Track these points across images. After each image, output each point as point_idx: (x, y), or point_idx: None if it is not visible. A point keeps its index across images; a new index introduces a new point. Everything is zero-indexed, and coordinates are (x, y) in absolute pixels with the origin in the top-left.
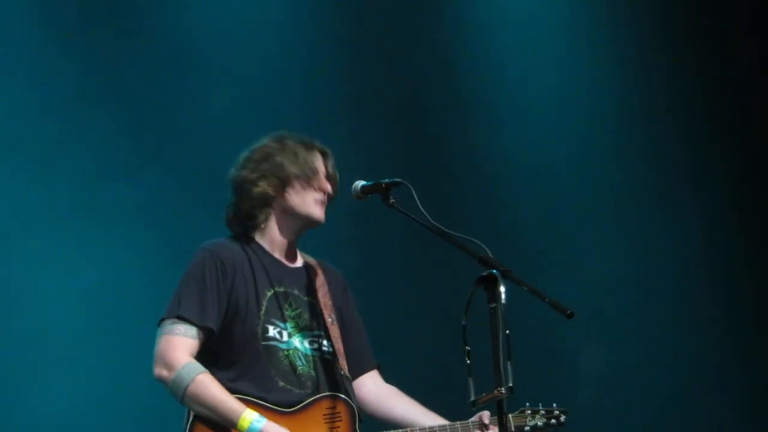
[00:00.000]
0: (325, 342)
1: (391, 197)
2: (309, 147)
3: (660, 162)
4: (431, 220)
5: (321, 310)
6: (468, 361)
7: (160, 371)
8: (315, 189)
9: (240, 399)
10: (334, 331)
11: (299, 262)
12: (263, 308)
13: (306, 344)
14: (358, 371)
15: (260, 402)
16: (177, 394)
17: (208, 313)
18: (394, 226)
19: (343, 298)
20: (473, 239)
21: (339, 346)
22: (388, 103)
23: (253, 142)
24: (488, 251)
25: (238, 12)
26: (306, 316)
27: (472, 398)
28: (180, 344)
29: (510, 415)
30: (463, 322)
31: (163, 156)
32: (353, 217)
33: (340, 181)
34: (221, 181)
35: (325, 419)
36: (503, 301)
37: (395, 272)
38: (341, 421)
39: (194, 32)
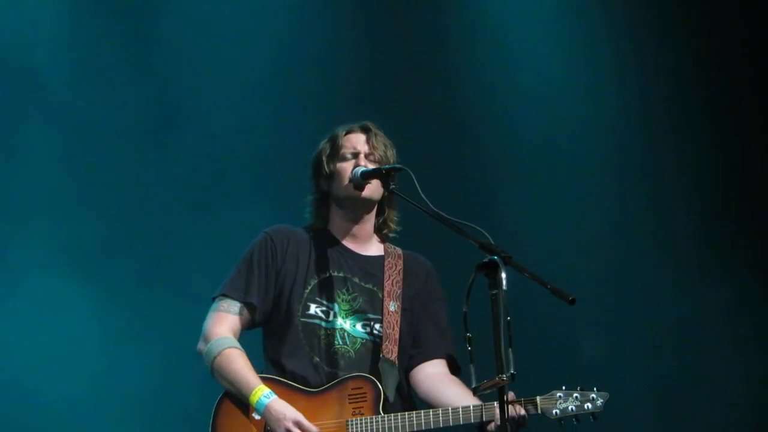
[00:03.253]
0: (377, 326)
1: (391, 183)
2: (344, 131)
3: (656, 154)
4: (431, 205)
5: (383, 297)
6: (469, 348)
7: (200, 345)
8: (345, 170)
9: (267, 377)
10: (393, 317)
11: (375, 251)
12: (309, 287)
13: (357, 326)
14: (421, 358)
15: (285, 381)
16: (207, 365)
17: (252, 289)
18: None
19: (421, 288)
20: (474, 225)
21: (392, 331)
22: (391, 96)
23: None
24: (489, 237)
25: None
26: (361, 300)
27: (474, 385)
28: (222, 319)
29: (538, 398)
30: (464, 309)
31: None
32: None
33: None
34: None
35: (350, 399)
36: (504, 288)
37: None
38: (365, 401)
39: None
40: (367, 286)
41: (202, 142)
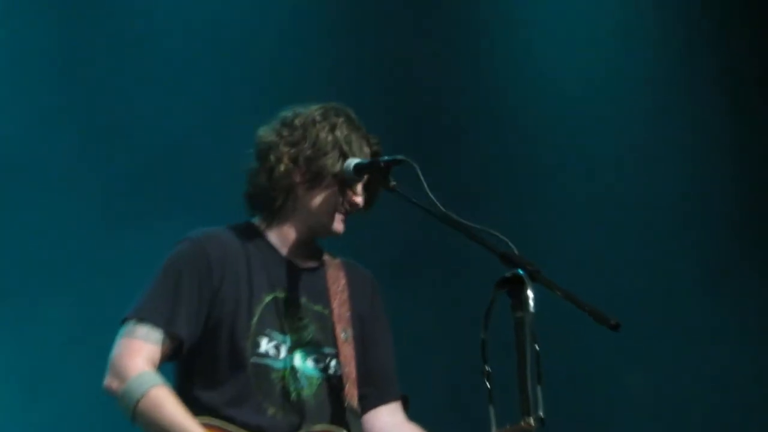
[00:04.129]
0: (333, 362)
1: (391, 179)
2: (363, 142)
3: (707, 168)
4: (441, 207)
5: (334, 322)
6: (488, 385)
7: (110, 381)
8: (345, 201)
9: (211, 424)
10: (347, 350)
11: (314, 261)
12: (256, 316)
13: (309, 363)
14: (375, 401)
15: (235, 430)
16: (126, 410)
17: (179, 316)
18: (393, 214)
19: (369, 308)
20: (494, 231)
21: (350, 368)
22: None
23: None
24: (513, 246)
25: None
26: (313, 328)
27: (494, 430)
28: (138, 349)
29: None
30: (482, 336)
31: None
32: None
33: None
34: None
35: None
36: (532, 310)
37: (393, 271)
38: None
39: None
40: (316, 308)
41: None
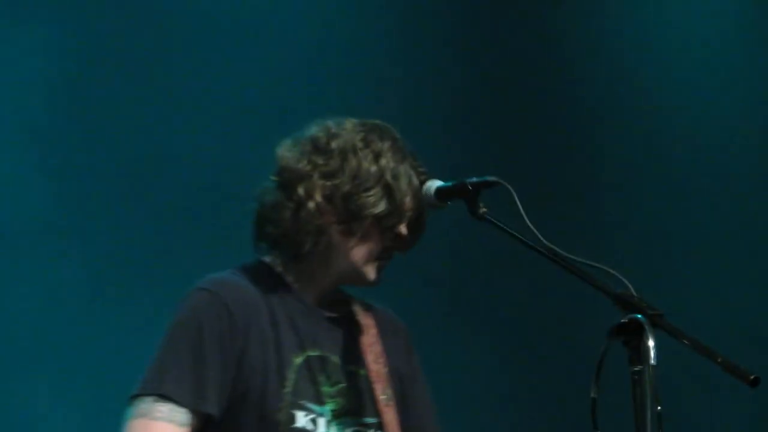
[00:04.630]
0: None
1: (480, 204)
2: (411, 173)
3: None
4: (542, 238)
5: (372, 383)
6: None
7: None
8: (385, 246)
9: None
10: (389, 415)
11: (341, 311)
12: (289, 384)
13: None
14: None
15: None
16: None
17: (207, 391)
18: (480, 244)
19: (406, 363)
20: (606, 268)
21: None
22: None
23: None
24: (630, 286)
25: None
26: (350, 393)
27: None
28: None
29: None
30: (592, 395)
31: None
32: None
33: None
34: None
35: None
36: (653, 362)
37: (480, 315)
38: None
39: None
40: (350, 368)
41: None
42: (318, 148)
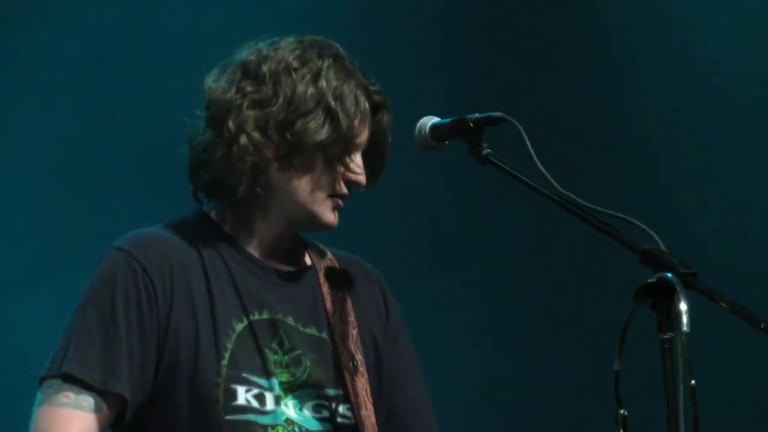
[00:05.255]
0: (342, 408)
1: (484, 145)
2: (361, 92)
3: None
4: (556, 184)
5: (338, 347)
6: None
7: None
8: (339, 180)
9: None
10: (360, 385)
11: (298, 264)
12: (227, 355)
13: (308, 412)
14: None
15: None
16: None
17: (119, 369)
18: (484, 190)
19: (381, 322)
20: (632, 219)
21: (367, 412)
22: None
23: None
24: (658, 240)
25: None
26: (308, 361)
27: None
28: (67, 421)
29: None
30: (615, 367)
31: None
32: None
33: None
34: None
35: None
36: (686, 329)
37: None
38: None
39: None
40: (308, 331)
41: None
42: (247, 73)
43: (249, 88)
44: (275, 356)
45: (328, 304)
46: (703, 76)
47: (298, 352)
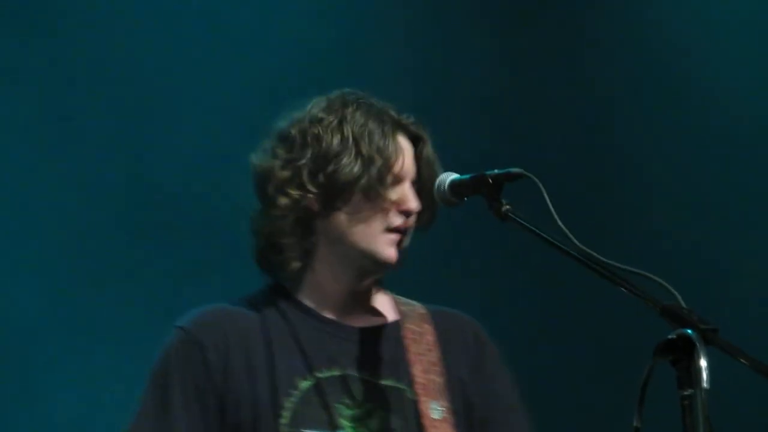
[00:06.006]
0: None
1: (503, 201)
2: (389, 126)
3: None
4: (576, 241)
5: (417, 397)
6: None
7: None
8: (389, 211)
9: None
10: (444, 428)
11: (379, 318)
12: (286, 414)
13: None
14: None
15: None
16: None
17: None
18: (501, 244)
19: (473, 366)
20: (651, 275)
21: None
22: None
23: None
24: (678, 296)
25: None
26: (382, 413)
27: None
28: None
29: None
30: (635, 424)
31: None
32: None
33: None
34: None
35: None
36: (706, 386)
37: (511, 323)
38: None
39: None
40: (385, 383)
41: None
42: (280, 138)
43: (281, 151)
44: (347, 411)
45: (411, 356)
46: (728, 137)
47: (371, 405)
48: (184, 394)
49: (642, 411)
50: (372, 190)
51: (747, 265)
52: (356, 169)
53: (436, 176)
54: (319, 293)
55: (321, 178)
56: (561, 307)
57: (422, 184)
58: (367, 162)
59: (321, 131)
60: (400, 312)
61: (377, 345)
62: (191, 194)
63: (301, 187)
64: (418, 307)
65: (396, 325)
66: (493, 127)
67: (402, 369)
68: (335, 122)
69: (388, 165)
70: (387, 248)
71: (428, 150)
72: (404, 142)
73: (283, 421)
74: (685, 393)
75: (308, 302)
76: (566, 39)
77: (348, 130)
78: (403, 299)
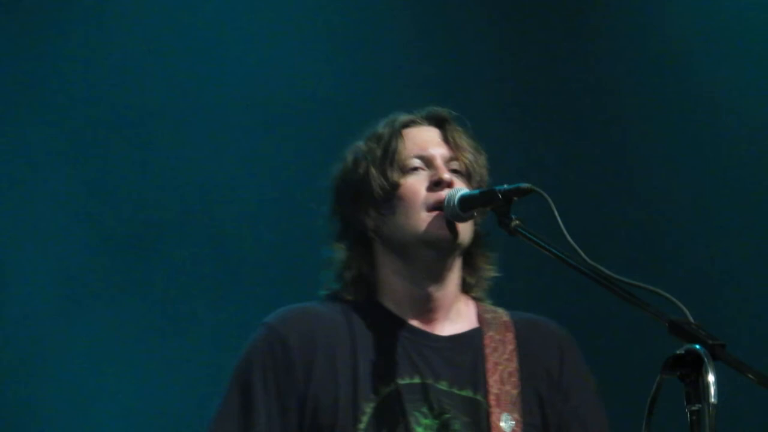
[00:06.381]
0: None
1: (513, 216)
2: (402, 122)
3: None
4: (585, 256)
5: (490, 409)
6: None
7: None
8: (415, 191)
9: None
10: None
11: (463, 322)
12: (365, 418)
13: None
14: None
15: None
16: None
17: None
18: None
19: (552, 379)
20: (659, 291)
21: None
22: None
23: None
24: (686, 312)
25: None
26: (458, 425)
27: None
28: None
29: None
30: None
31: None
32: None
33: None
34: None
35: None
36: (714, 400)
37: None
38: None
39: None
40: (463, 393)
41: None
42: (332, 189)
43: (332, 198)
44: (425, 420)
45: (489, 365)
46: (734, 151)
47: (448, 415)
48: (265, 391)
49: (650, 425)
50: (389, 183)
51: (755, 279)
52: (377, 164)
53: (471, 142)
54: (396, 298)
55: (355, 187)
56: (569, 321)
57: (460, 152)
58: (383, 155)
59: (348, 161)
60: (483, 320)
61: (458, 353)
62: (200, 207)
63: (351, 205)
64: (502, 314)
65: (478, 332)
66: (500, 137)
67: (480, 379)
68: (358, 148)
69: (392, 158)
70: (435, 226)
71: (452, 126)
72: (423, 132)
73: (361, 426)
74: (693, 408)
75: (389, 305)
76: (574, 44)
77: (373, 144)
78: (488, 306)
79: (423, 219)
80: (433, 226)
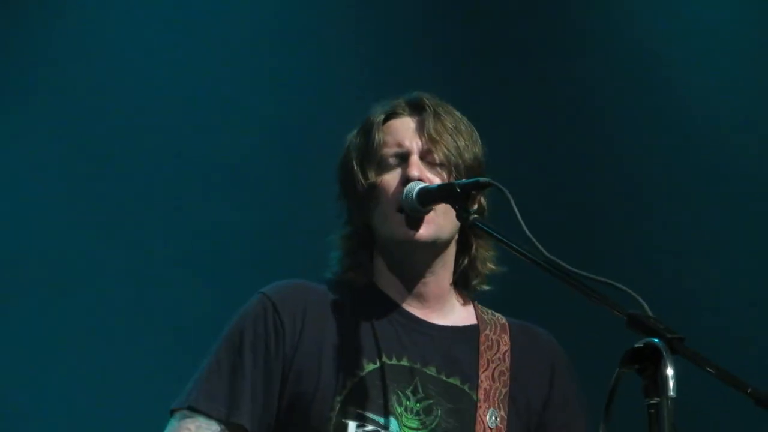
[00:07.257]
0: None
1: (470, 210)
2: (383, 114)
3: None
4: (544, 250)
5: (478, 401)
6: None
7: None
8: (387, 187)
9: None
10: None
11: (460, 317)
12: (344, 391)
13: None
14: None
15: None
16: None
17: (242, 400)
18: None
19: (542, 388)
20: (617, 284)
21: None
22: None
23: None
24: (645, 305)
25: None
26: (440, 411)
27: None
28: None
29: None
30: (600, 431)
31: None
32: None
33: None
34: None
35: None
36: (672, 394)
37: None
38: None
39: None
40: (450, 381)
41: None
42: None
43: (341, 185)
44: (407, 402)
45: (482, 361)
46: (701, 140)
47: (431, 401)
48: (253, 353)
49: (609, 419)
50: (366, 182)
51: (712, 272)
52: (354, 159)
53: (454, 128)
54: (392, 286)
55: (342, 185)
56: (529, 317)
57: (434, 144)
58: (361, 150)
59: (340, 161)
60: (481, 319)
61: (451, 344)
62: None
63: (350, 199)
64: (500, 318)
65: (474, 329)
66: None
67: (470, 371)
68: (344, 148)
69: (371, 155)
70: (400, 228)
71: (431, 114)
72: (403, 123)
73: (339, 398)
74: (652, 401)
75: (390, 293)
76: (558, 42)
77: (349, 145)
78: (488, 309)
79: (392, 219)
80: (402, 228)
